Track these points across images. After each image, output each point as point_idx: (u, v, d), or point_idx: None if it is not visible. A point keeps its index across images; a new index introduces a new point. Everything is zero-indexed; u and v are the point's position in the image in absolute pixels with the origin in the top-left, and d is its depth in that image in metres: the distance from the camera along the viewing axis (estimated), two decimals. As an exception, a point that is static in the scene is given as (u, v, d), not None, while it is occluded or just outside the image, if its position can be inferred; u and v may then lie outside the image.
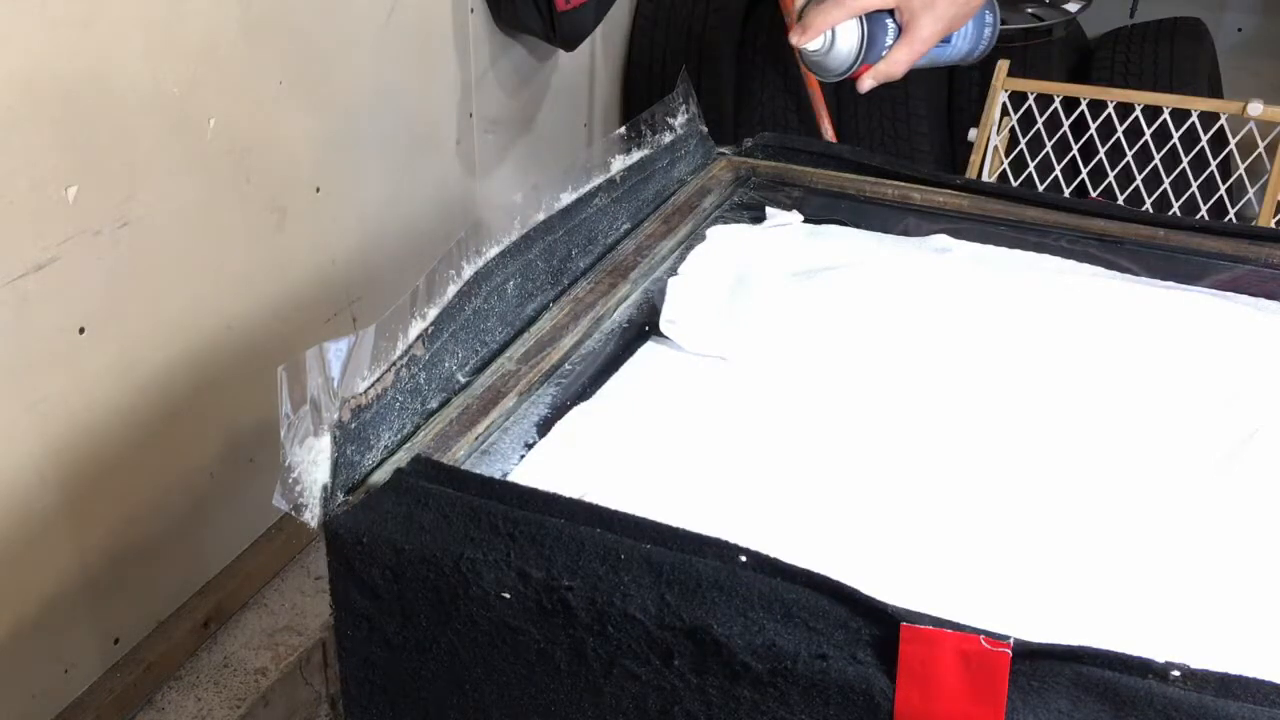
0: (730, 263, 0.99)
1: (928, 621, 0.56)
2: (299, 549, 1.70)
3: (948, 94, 2.46)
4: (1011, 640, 0.55)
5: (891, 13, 1.00)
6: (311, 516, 0.66)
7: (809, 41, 0.99)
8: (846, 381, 0.84)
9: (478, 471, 0.72)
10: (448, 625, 0.65)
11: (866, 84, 1.03)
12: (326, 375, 0.67)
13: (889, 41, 1.00)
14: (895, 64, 1.01)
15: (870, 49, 1.00)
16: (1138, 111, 1.89)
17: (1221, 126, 1.86)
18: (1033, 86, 1.92)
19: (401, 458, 0.73)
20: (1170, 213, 1.95)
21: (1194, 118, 1.86)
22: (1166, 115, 1.87)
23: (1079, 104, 1.97)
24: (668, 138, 1.10)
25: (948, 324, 0.91)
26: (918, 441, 0.78)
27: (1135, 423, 0.80)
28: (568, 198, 0.94)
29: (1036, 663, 0.55)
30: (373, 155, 1.77)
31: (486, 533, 0.64)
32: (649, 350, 0.88)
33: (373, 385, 0.71)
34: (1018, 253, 1.02)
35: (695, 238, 1.03)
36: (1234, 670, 0.54)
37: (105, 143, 1.28)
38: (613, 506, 0.65)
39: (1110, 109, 1.93)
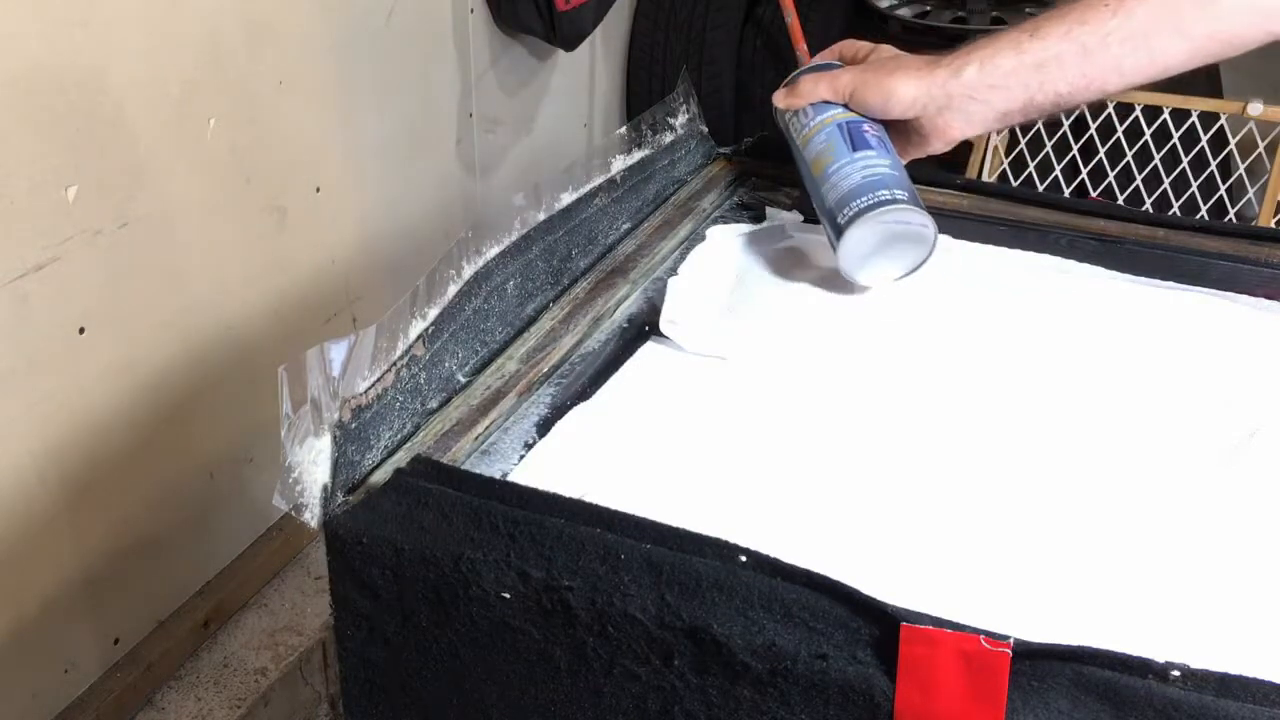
0: (730, 263, 0.99)
1: (928, 621, 0.56)
2: (299, 549, 1.70)
3: (948, 94, 2.46)
4: (1011, 640, 0.55)
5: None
6: (311, 516, 0.66)
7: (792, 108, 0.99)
8: (847, 381, 0.84)
9: (478, 471, 0.72)
10: (448, 625, 0.65)
11: None
12: (327, 375, 0.66)
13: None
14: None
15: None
16: (1138, 111, 1.89)
17: (1221, 126, 1.86)
18: (1033, 86, 1.91)
19: (401, 458, 0.72)
20: (1170, 213, 1.95)
21: (1194, 118, 1.86)
22: (1166, 115, 1.87)
23: (1079, 104, 1.97)
24: (668, 138, 1.10)
25: (947, 324, 0.91)
26: (918, 441, 0.78)
27: (1135, 423, 0.80)
28: (568, 198, 0.94)
29: (1036, 663, 0.55)
30: (373, 155, 1.77)
31: (486, 533, 0.64)
32: (649, 350, 0.88)
33: (373, 385, 0.71)
34: (1018, 253, 1.02)
35: (695, 238, 1.03)
36: (1234, 670, 0.54)
37: (105, 143, 1.28)
38: (613, 506, 0.65)
39: (1110, 109, 1.93)
